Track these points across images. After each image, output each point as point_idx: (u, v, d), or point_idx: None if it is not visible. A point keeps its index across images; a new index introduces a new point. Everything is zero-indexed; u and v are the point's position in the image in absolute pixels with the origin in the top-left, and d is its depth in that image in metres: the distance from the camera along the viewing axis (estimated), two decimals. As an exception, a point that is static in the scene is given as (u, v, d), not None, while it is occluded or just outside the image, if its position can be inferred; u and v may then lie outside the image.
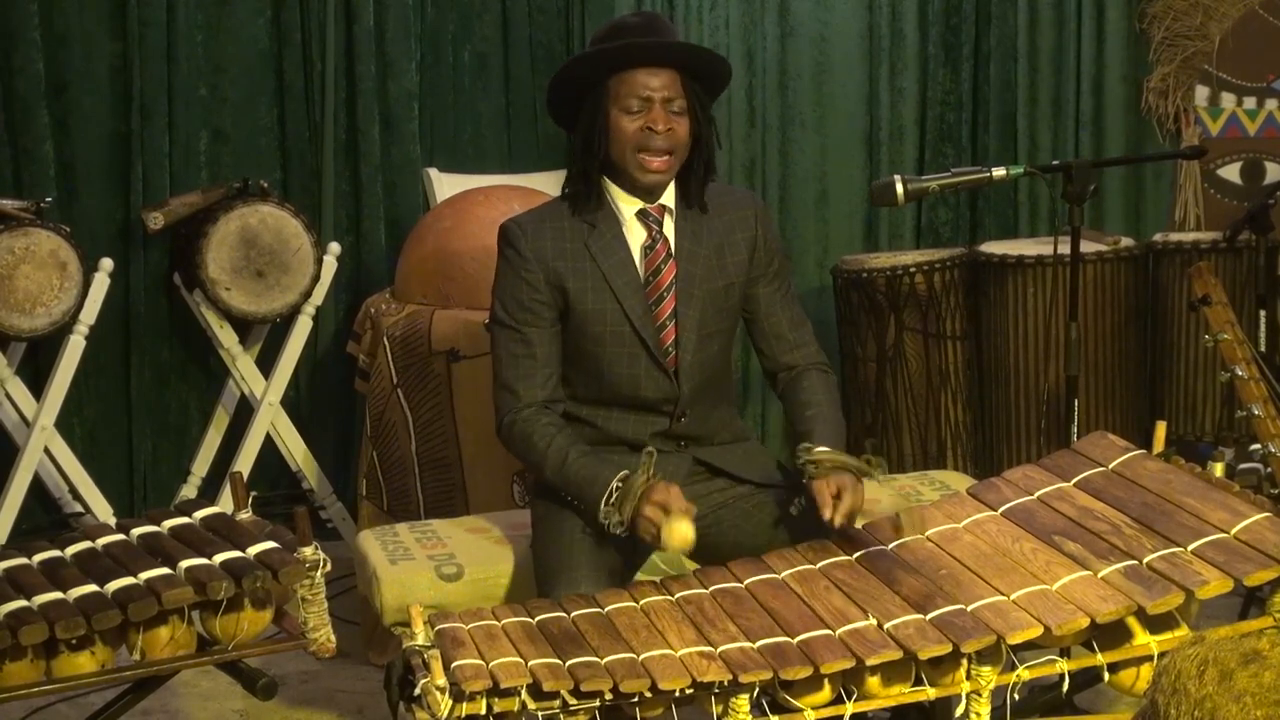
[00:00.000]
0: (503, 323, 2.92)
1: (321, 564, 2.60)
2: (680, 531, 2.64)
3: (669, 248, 2.94)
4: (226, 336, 4.55)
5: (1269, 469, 3.18)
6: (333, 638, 2.63)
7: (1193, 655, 1.35)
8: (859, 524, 2.78)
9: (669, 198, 2.95)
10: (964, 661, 2.40)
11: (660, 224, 2.94)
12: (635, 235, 2.93)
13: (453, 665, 2.33)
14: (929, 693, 2.41)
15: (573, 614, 2.53)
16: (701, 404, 2.98)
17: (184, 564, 2.56)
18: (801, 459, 2.79)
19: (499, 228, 2.97)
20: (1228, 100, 5.15)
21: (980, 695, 2.41)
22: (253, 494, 2.83)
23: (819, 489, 2.72)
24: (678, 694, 2.34)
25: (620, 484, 2.73)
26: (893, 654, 2.37)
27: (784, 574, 2.64)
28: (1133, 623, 2.46)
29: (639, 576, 2.93)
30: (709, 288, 2.95)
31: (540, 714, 2.32)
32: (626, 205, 2.93)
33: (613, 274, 2.90)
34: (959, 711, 2.41)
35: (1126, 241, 4.66)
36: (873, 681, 2.39)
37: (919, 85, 5.20)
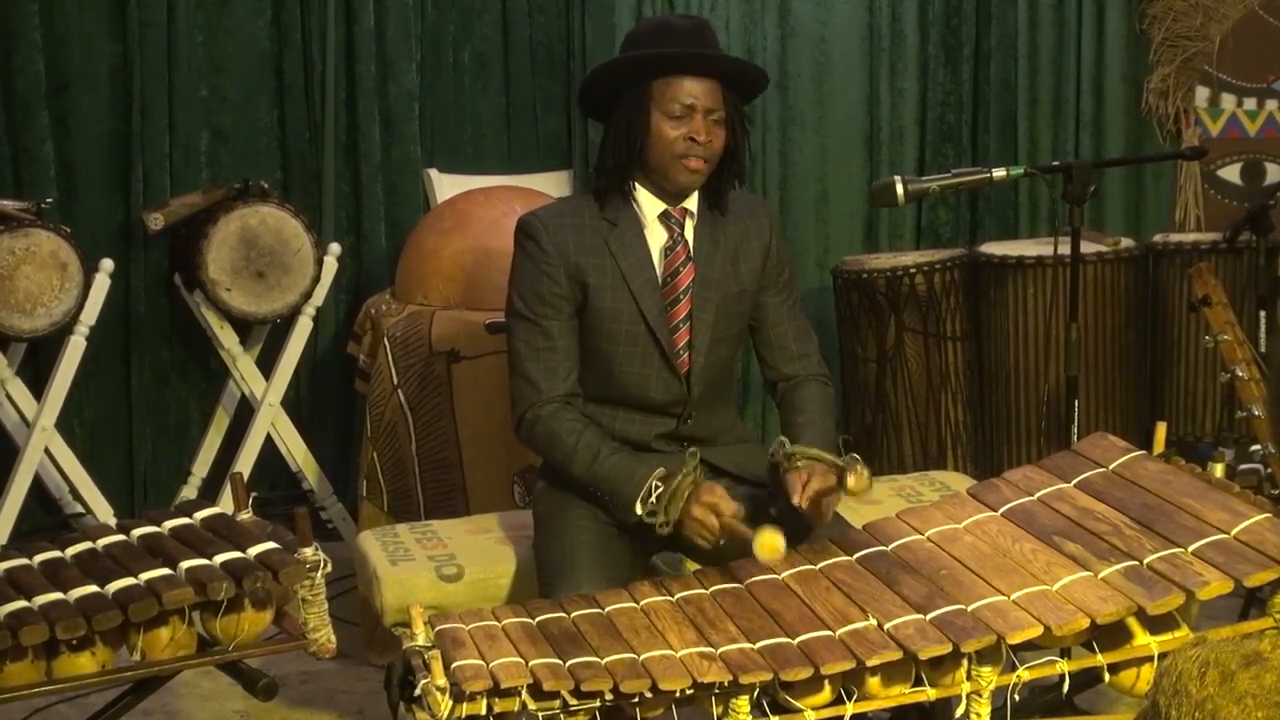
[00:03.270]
0: (522, 315, 2.92)
1: (322, 564, 2.59)
2: (770, 542, 2.61)
3: (689, 250, 2.94)
4: (227, 337, 4.55)
5: (1269, 469, 3.18)
6: (333, 638, 2.63)
7: (1194, 657, 1.34)
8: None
9: (692, 201, 2.95)
10: (964, 662, 2.40)
11: (682, 226, 2.94)
12: (656, 236, 2.94)
13: (453, 666, 2.33)
14: (929, 693, 2.41)
15: (573, 614, 2.53)
16: (707, 407, 2.99)
17: (184, 564, 2.55)
18: (776, 454, 2.80)
19: (518, 221, 2.97)
20: (1228, 101, 5.15)
21: (980, 696, 2.41)
22: (253, 494, 2.83)
23: (791, 480, 2.74)
24: (678, 695, 2.33)
25: (660, 483, 2.74)
26: (893, 654, 2.37)
27: (784, 574, 2.64)
28: (1133, 623, 2.46)
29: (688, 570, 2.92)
30: (724, 292, 2.96)
31: (540, 714, 2.32)
32: (650, 206, 2.93)
33: (631, 273, 2.90)
34: (959, 712, 2.41)
35: (1127, 242, 4.66)
36: (873, 682, 2.39)
37: (919, 86, 5.20)
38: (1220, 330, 3.31)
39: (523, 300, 2.92)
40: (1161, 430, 2.90)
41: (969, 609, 2.45)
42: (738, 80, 2.93)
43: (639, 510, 2.75)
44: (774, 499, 2.86)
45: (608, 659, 2.37)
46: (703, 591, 2.61)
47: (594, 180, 2.97)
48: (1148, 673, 2.46)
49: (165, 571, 2.54)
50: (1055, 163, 3.82)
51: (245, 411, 4.71)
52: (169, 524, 2.75)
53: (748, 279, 2.99)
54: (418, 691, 2.31)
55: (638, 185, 2.93)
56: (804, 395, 3.00)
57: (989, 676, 2.40)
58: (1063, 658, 2.47)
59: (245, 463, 4.55)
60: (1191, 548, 2.53)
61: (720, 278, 2.95)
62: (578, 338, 2.93)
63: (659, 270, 2.93)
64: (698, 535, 2.72)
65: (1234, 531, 2.55)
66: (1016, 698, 2.46)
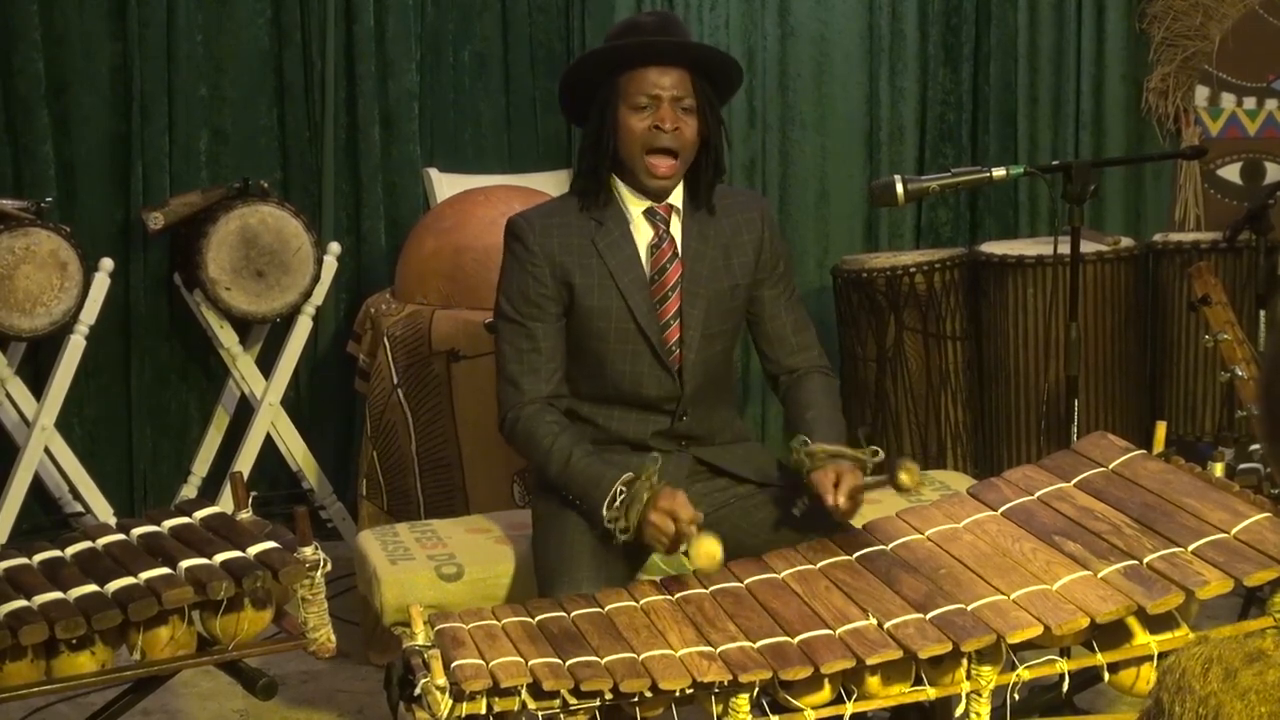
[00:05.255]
0: (508, 317, 2.92)
1: (321, 564, 2.59)
2: (707, 550, 2.62)
3: (675, 247, 2.94)
4: (227, 336, 4.55)
5: (1269, 469, 3.18)
6: (333, 638, 2.63)
7: (1197, 654, 1.35)
8: (860, 523, 2.78)
9: (676, 197, 2.95)
10: (964, 661, 2.40)
11: (667, 223, 2.94)
12: (642, 233, 2.94)
13: (453, 665, 2.33)
14: (929, 692, 2.41)
15: (573, 614, 2.53)
16: (703, 404, 2.98)
17: (184, 564, 2.55)
18: (797, 453, 2.79)
19: (506, 222, 2.97)
20: (1228, 100, 5.15)
21: (980, 695, 2.41)
22: (253, 494, 2.83)
23: (819, 480, 2.73)
24: (678, 694, 2.34)
25: (624, 487, 2.73)
26: (893, 654, 2.37)
27: (784, 574, 2.64)
28: (1133, 623, 2.46)
29: (641, 577, 2.92)
30: (715, 288, 2.95)
31: (540, 714, 2.32)
32: (634, 203, 2.93)
33: (619, 271, 2.90)
34: (959, 711, 2.41)
35: (1126, 242, 4.66)
36: (873, 681, 2.39)
37: (919, 85, 5.20)
38: (1220, 330, 3.31)
39: (509, 302, 2.92)
40: (1161, 430, 2.90)
41: (969, 608, 2.45)
42: (708, 69, 2.92)
43: (605, 514, 2.75)
44: (793, 498, 2.85)
45: (607, 658, 2.37)
46: (702, 591, 2.61)
47: (576, 181, 2.98)
48: (1147, 672, 2.46)
49: (165, 571, 2.54)
50: (1055, 162, 3.81)
51: (245, 411, 4.71)
52: (169, 523, 2.75)
53: (740, 274, 2.99)
54: (417, 691, 2.31)
55: (620, 183, 2.93)
56: (809, 389, 2.99)
57: (989, 676, 2.40)
58: (1062, 657, 2.47)
59: (245, 462, 4.55)
60: (1191, 547, 2.53)
61: (710, 273, 2.95)
62: (564, 339, 2.93)
63: (646, 267, 2.93)
64: (655, 540, 2.71)
65: (1234, 531, 2.55)
66: (1016, 697, 2.46)
